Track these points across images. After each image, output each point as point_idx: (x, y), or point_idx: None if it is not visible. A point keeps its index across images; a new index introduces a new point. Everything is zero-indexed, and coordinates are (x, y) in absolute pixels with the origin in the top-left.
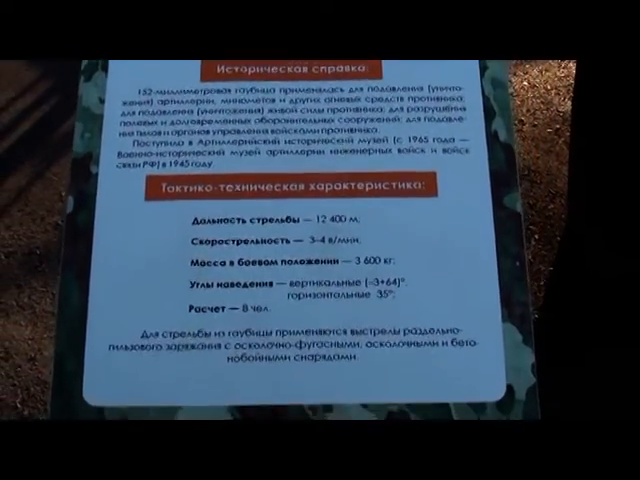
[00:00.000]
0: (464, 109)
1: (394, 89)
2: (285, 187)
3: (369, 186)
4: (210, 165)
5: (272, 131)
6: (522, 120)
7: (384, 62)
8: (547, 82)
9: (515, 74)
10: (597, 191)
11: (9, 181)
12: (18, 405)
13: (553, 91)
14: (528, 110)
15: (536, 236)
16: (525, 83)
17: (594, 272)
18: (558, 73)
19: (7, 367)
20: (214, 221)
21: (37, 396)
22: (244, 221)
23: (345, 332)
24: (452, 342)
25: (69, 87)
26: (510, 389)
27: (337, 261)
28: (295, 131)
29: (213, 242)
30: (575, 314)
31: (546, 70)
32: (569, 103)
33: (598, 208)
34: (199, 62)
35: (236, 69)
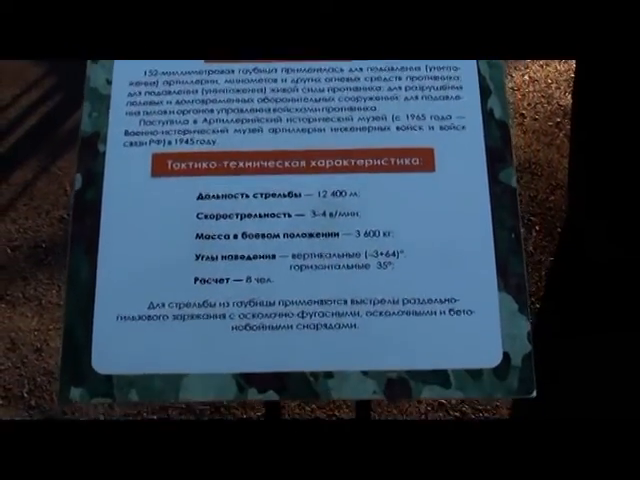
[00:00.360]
0: (461, 88)
1: (392, 69)
2: (287, 163)
3: (368, 162)
4: (214, 143)
5: (274, 110)
6: (523, 114)
7: None
8: (548, 76)
9: (516, 68)
10: (597, 183)
11: (15, 176)
12: (25, 395)
13: (554, 85)
14: (529, 104)
15: (537, 227)
16: (526, 77)
17: (594, 262)
18: (559, 67)
19: (14, 358)
20: (218, 196)
21: (43, 386)
22: (247, 196)
23: (346, 302)
24: (450, 311)
25: (73, 83)
26: (506, 356)
27: (338, 234)
28: (296, 110)
29: (217, 216)
30: (575, 303)
31: (547, 64)
32: (569, 97)
33: (598, 200)
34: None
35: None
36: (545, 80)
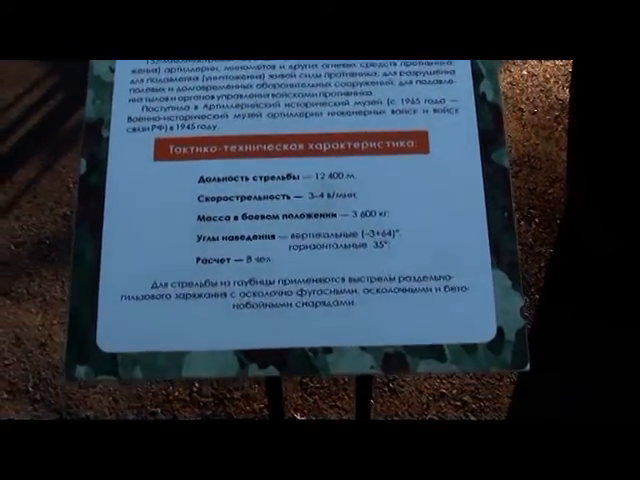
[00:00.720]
0: (453, 72)
1: None
2: (285, 147)
3: (364, 145)
4: (215, 128)
5: (273, 95)
6: (521, 108)
7: None
8: (546, 71)
9: (514, 63)
10: (595, 175)
11: (18, 174)
12: (30, 389)
13: (552, 79)
14: (527, 98)
15: (536, 219)
16: (524, 72)
17: (593, 253)
18: (557, 62)
19: (19, 353)
20: (219, 179)
21: (48, 380)
22: (247, 179)
23: (343, 280)
24: (445, 288)
25: (75, 83)
26: (500, 331)
27: (335, 215)
28: (294, 95)
29: (218, 199)
30: (575, 294)
31: (545, 59)
32: (567, 91)
33: (597, 191)
34: None
35: None
36: (543, 75)
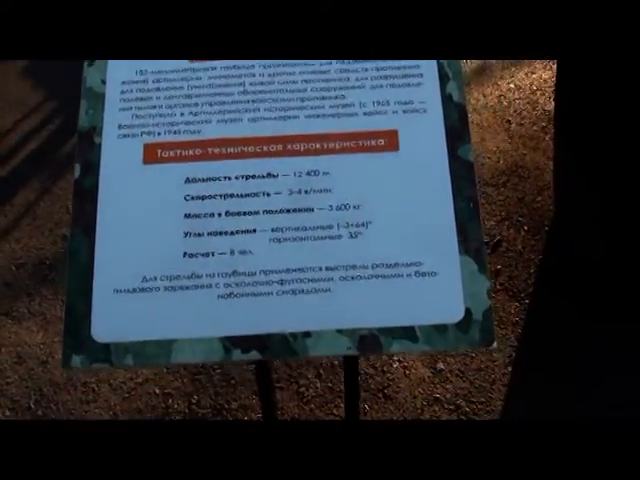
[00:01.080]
0: (421, 75)
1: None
2: (265, 148)
3: (339, 144)
4: (199, 132)
5: (253, 101)
6: (509, 120)
7: None
8: (533, 83)
9: (502, 77)
10: (582, 182)
11: (18, 197)
12: (32, 405)
13: (539, 92)
14: (515, 110)
15: (525, 227)
16: (512, 85)
17: (581, 258)
18: (543, 75)
19: (21, 371)
20: (204, 179)
21: (50, 397)
22: (230, 178)
23: (320, 269)
24: (415, 274)
25: (72, 109)
26: (468, 312)
27: (312, 209)
28: (273, 100)
29: (203, 197)
30: (565, 298)
31: (532, 72)
32: (554, 102)
33: (583, 198)
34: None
35: None
36: (530, 87)
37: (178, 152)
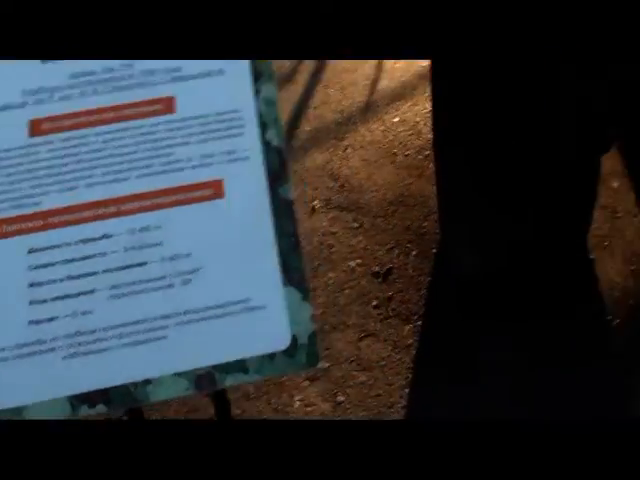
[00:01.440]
0: (243, 126)
1: (185, 119)
2: (101, 211)
3: (168, 199)
4: (39, 204)
5: (88, 168)
6: (395, 152)
7: (177, 98)
8: (416, 115)
9: (387, 113)
10: (462, 203)
11: None
12: None
13: (422, 122)
14: (400, 142)
15: (414, 252)
16: (396, 119)
17: (467, 276)
18: (426, 105)
19: None
20: (45, 248)
21: None
22: (69, 244)
23: (155, 319)
24: (244, 310)
25: None
26: (294, 338)
27: (146, 263)
28: (106, 165)
29: (46, 265)
30: (453, 316)
31: (415, 104)
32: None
33: (465, 219)
34: (27, 121)
35: (57, 124)
36: (414, 118)
37: (20, 225)
